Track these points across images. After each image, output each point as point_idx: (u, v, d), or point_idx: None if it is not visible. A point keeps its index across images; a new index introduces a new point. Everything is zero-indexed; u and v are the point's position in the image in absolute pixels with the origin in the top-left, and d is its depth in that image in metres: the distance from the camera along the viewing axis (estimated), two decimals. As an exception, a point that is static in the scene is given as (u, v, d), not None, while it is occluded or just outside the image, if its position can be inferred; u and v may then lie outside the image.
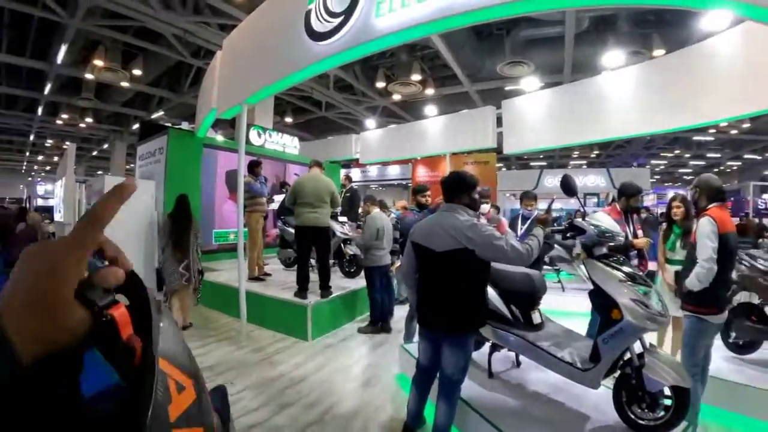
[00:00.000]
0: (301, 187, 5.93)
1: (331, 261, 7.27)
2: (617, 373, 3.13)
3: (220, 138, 11.09)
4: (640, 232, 4.62)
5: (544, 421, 3.20)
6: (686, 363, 3.30)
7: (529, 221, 5.50)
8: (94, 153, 26.26)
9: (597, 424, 3.14)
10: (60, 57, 11.21)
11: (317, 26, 4.49)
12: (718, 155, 25.77)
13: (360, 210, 9.45)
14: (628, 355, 3.04)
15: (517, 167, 28.90)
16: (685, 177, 34.27)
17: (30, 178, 35.62)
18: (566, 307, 6.06)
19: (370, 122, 16.21)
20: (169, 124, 11.72)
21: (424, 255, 3.04)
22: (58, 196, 15.70)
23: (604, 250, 3.30)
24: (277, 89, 5.79)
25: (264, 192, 7.18)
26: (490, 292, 3.53)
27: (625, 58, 9.54)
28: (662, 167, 30.73)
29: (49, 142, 24.26)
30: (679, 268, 4.25)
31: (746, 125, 18.02)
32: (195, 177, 8.97)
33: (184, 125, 12.74)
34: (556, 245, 6.79)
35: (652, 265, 4.89)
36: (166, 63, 12.76)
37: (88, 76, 12.18)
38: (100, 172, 30.04)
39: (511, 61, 10.48)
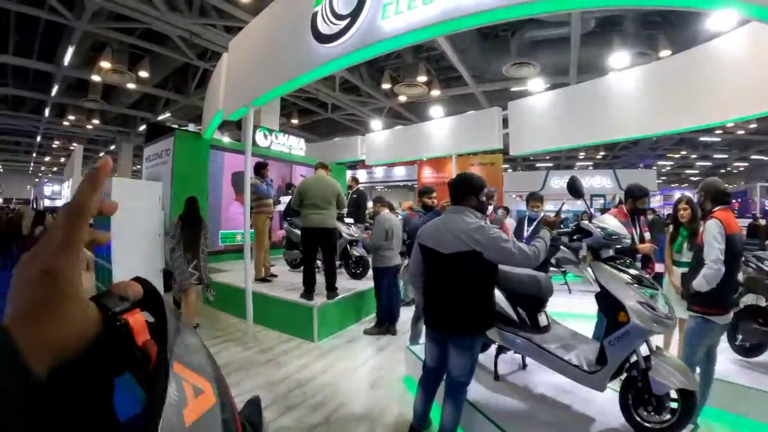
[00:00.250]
0: (307, 188, 5.93)
1: (338, 262, 7.28)
2: (623, 376, 3.12)
3: (226, 140, 11.12)
4: (647, 234, 4.60)
5: (551, 423, 3.19)
6: (686, 362, 3.28)
7: (535, 223, 5.48)
8: (101, 154, 26.32)
9: (603, 427, 3.13)
10: (67, 59, 11.33)
11: (323, 28, 4.50)
12: (725, 156, 25.67)
13: (368, 211, 9.46)
14: (634, 358, 3.01)
15: (523, 168, 28.85)
16: (691, 178, 34.18)
17: (37, 179, 35.81)
18: (573, 309, 6.04)
19: (376, 123, 16.23)
20: (176, 126, 11.77)
21: (431, 257, 3.04)
22: (65, 196, 15.80)
23: (611, 252, 3.30)
24: (283, 91, 5.81)
25: (270, 193, 7.19)
26: (497, 294, 3.51)
27: (631, 59, 9.51)
28: (668, 168, 30.63)
29: (56, 144, 24.44)
30: (686, 270, 4.23)
31: (753, 126, 17.90)
32: (202, 178, 9.01)
33: (191, 127, 12.79)
34: (562, 247, 6.77)
35: (659, 267, 4.87)
36: (172, 65, 12.86)
37: (95, 77, 12.28)
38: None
39: (516, 62, 10.48)
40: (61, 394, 0.39)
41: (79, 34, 10.16)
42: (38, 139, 22.35)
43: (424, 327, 4.89)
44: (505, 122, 8.84)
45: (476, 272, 2.92)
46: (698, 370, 3.43)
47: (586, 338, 3.77)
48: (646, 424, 2.95)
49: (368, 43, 4.13)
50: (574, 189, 3.39)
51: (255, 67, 5.71)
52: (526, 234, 5.49)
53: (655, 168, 25.34)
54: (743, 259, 4.25)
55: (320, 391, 4.25)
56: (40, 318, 0.40)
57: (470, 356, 3.01)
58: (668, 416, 2.90)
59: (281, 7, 5.52)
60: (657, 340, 3.24)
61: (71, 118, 16.58)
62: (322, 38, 4.52)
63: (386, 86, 12.72)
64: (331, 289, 6.11)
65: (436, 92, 12.96)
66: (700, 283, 3.28)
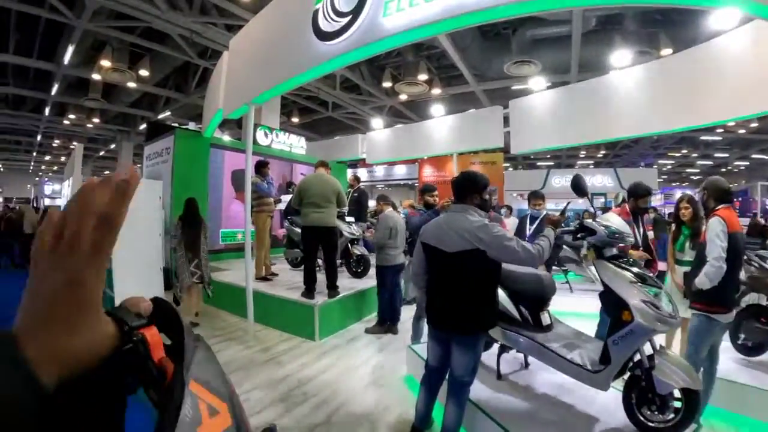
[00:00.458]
0: (307, 187, 5.92)
1: (339, 261, 7.26)
2: (626, 375, 3.11)
3: (227, 138, 11.11)
4: (650, 233, 4.59)
5: (553, 423, 3.17)
6: (689, 361, 3.27)
7: (537, 221, 5.45)
8: (101, 153, 26.41)
9: (606, 426, 3.11)
10: (67, 58, 11.29)
11: (324, 26, 4.48)
12: (726, 155, 25.65)
13: (369, 210, 9.43)
14: (637, 357, 3.01)
15: (524, 167, 28.85)
16: (692, 177, 34.16)
17: (37, 178, 35.81)
18: (574, 308, 6.03)
19: (377, 122, 16.21)
20: (176, 125, 11.76)
21: (434, 256, 3.03)
22: (65, 195, 15.78)
23: (614, 250, 3.28)
24: (284, 89, 5.79)
25: (271, 192, 7.17)
26: (500, 292, 3.50)
27: (632, 58, 9.48)
28: (669, 167, 30.59)
29: (56, 143, 24.41)
30: (688, 268, 4.23)
31: (754, 125, 17.94)
32: (202, 177, 9.00)
33: (191, 125, 12.79)
34: (564, 245, 6.75)
35: (661, 266, 4.86)
36: (172, 63, 12.82)
37: (95, 76, 12.24)
38: (107, 172, 29.64)
39: (517, 61, 10.44)
40: (71, 406, 0.38)
41: (80, 33, 10.13)
42: (38, 138, 22.30)
43: (425, 326, 4.91)
44: (506, 121, 8.81)
45: (480, 271, 2.91)
46: (701, 369, 3.42)
47: (589, 337, 3.77)
48: (650, 424, 2.94)
49: (370, 41, 4.11)
50: (578, 187, 3.38)
51: (256, 65, 5.69)
52: (528, 233, 5.45)
53: (655, 167, 25.34)
54: (745, 258, 4.25)
55: (321, 391, 4.23)
56: (56, 329, 0.39)
57: (473, 355, 3.00)
58: (672, 415, 2.88)
59: (282, 5, 5.50)
60: (659, 339, 3.23)
61: (71, 117, 16.55)
62: (324, 36, 4.49)
63: (387, 84, 12.69)
64: (332, 287, 6.09)
65: (436, 91, 12.92)
66: (702, 281, 3.28)
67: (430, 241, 3.05)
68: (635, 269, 3.17)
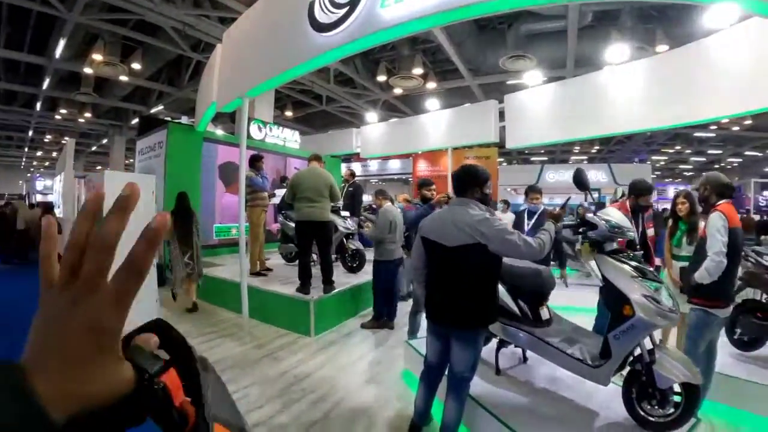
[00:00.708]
0: (299, 181, 5.86)
1: (334, 256, 7.23)
2: (625, 370, 3.12)
3: (220, 132, 11.02)
4: (650, 231, 4.59)
5: (554, 418, 3.16)
6: (688, 356, 3.27)
7: (536, 216, 5.40)
8: (93, 148, 26.16)
9: (606, 421, 3.12)
10: (58, 51, 11.13)
11: (321, 17, 4.41)
12: (719, 152, 25.78)
13: (366, 204, 9.38)
14: (637, 352, 3.01)
15: (518, 162, 28.89)
16: (685, 173, 34.35)
17: (29, 174, 35.51)
18: (571, 302, 6.00)
19: (371, 116, 16.11)
20: (169, 119, 11.66)
21: (434, 250, 2.99)
22: (57, 191, 15.61)
23: (615, 245, 3.26)
24: (279, 82, 5.70)
25: (266, 186, 7.12)
26: (499, 287, 3.48)
27: (628, 54, 9.46)
28: (663, 163, 30.71)
29: (47, 138, 24.16)
30: (685, 264, 4.27)
31: (748, 122, 18.04)
32: (195, 171, 8.93)
33: (184, 119, 12.72)
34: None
35: (657, 261, 4.86)
36: (165, 57, 12.68)
37: (87, 70, 12.06)
38: (99, 167, 29.85)
39: (513, 55, 10.38)
40: None
41: (71, 26, 9.98)
42: (30, 133, 22.08)
43: (422, 321, 4.90)
44: (501, 115, 8.79)
45: (480, 265, 2.87)
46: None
47: (588, 332, 3.77)
48: (650, 418, 2.95)
49: (367, 33, 4.05)
50: (580, 182, 3.38)
51: (250, 57, 5.61)
52: (527, 228, 5.40)
53: (649, 163, 25.44)
54: (742, 253, 4.25)
55: (318, 387, 4.20)
56: (71, 371, 0.37)
57: (474, 351, 2.98)
58: (671, 410, 2.89)
59: (277, -4, 5.42)
60: (655, 333, 3.22)
61: (63, 111, 16.34)
62: (320, 27, 4.42)
63: (381, 78, 12.57)
64: (328, 282, 6.05)
65: (431, 85, 12.84)
66: (702, 275, 3.29)
67: (430, 235, 3.01)
68: (635, 264, 3.16)
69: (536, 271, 3.64)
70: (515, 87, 10.36)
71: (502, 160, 24.22)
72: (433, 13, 3.62)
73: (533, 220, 5.30)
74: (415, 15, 3.69)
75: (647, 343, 3.00)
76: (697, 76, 5.75)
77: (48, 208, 8.31)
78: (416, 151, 12.78)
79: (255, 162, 7.03)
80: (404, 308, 6.18)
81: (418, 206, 5.31)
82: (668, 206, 6.26)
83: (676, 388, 2.89)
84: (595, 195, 17.94)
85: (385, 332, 5.93)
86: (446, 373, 3.14)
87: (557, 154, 27.55)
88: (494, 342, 3.90)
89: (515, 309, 3.61)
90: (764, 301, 4.42)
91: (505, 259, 3.11)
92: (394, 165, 24.34)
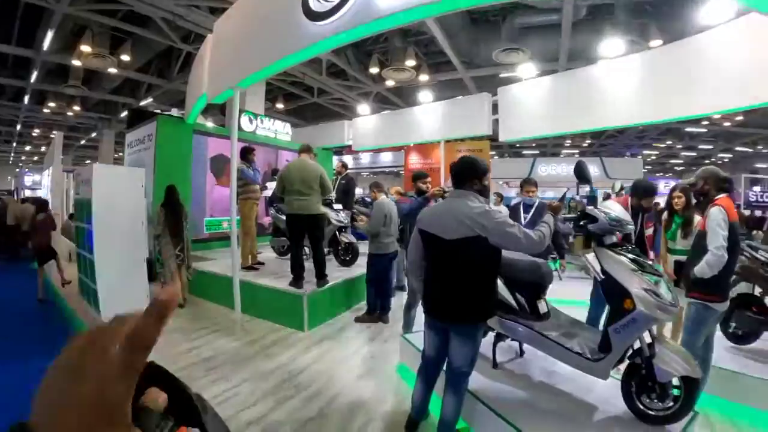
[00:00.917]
0: (289, 174, 5.78)
1: (326, 249, 7.17)
2: (623, 364, 3.10)
3: (210, 125, 10.89)
4: (648, 230, 4.59)
5: (553, 412, 3.14)
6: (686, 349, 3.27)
7: (533, 208, 5.34)
8: (82, 142, 25.95)
9: (605, 415, 3.10)
10: (46, 44, 10.95)
11: (315, 5, 4.31)
12: (710, 147, 25.96)
13: (359, 197, 9.30)
14: (637, 345, 2.99)
15: (510, 155, 28.90)
16: (676, 168, 34.54)
17: (18, 169, 35.14)
18: (564, 295, 5.98)
19: (363, 108, 16.02)
20: (158, 111, 11.52)
21: (432, 243, 2.93)
22: (45, 186, 15.43)
23: (614, 238, 3.23)
24: (271, 72, 5.59)
25: (257, 179, 7.03)
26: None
27: (621, 48, 9.46)
28: (654, 157, 30.86)
29: (36, 132, 23.92)
30: (679, 257, 4.40)
31: (739, 118, 18.20)
32: (185, 164, 8.82)
33: (174, 112, 12.56)
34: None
35: (651, 256, 4.86)
36: (155, 48, 12.51)
37: (76, 62, 11.85)
38: (88, 162, 29.56)
39: (506, 48, 10.34)
40: None
41: (59, 17, 9.80)
42: (18, 127, 21.84)
43: (416, 315, 4.85)
44: (494, 108, 8.73)
45: (480, 259, 2.82)
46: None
47: (585, 325, 3.81)
48: (650, 412, 2.94)
49: (362, 22, 3.96)
50: (582, 174, 3.35)
51: (242, 47, 5.50)
52: (523, 221, 5.35)
53: (640, 157, 25.53)
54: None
55: (313, 383, 4.14)
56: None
57: (473, 345, 2.93)
58: (671, 404, 2.88)
59: (270, -15, 5.30)
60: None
61: (51, 105, 16.12)
62: (314, 16, 4.32)
63: (374, 70, 12.45)
64: (321, 276, 5.98)
65: (424, 77, 12.75)
66: (702, 270, 3.30)
67: (429, 228, 2.94)
68: (632, 256, 3.14)
69: (534, 264, 3.61)
70: (508, 80, 10.27)
71: (493, 153, 24.20)
72: (429, 3, 3.56)
73: (530, 214, 5.24)
74: (411, 4, 3.62)
75: (647, 337, 2.98)
76: (691, 72, 5.73)
77: (42, 204, 8.22)
78: (408, 143, 12.69)
79: (246, 154, 6.94)
80: (398, 301, 6.19)
81: (412, 199, 5.25)
82: (659, 200, 6.26)
83: (675, 381, 2.87)
84: (587, 189, 18.14)
85: (379, 326, 5.88)
86: (444, 368, 3.09)
87: (549, 147, 27.58)
88: (491, 336, 3.86)
89: (513, 302, 3.58)
90: (759, 295, 4.44)
91: (503, 252, 3.06)
92: (386, 158, 24.23)
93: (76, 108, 16.92)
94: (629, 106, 6.57)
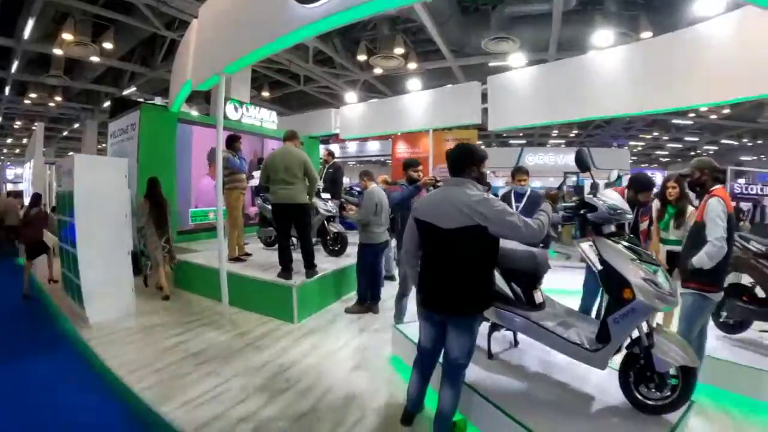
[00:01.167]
0: (273, 163, 5.65)
1: (315, 239, 7.09)
2: (621, 353, 3.07)
3: (195, 113, 10.68)
4: (644, 224, 4.57)
5: (550, 402, 3.11)
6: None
7: (525, 198, 5.28)
8: (65, 133, 25.58)
9: (603, 405, 3.09)
10: (27, 32, 10.73)
11: (304, -13, 4.18)
12: (696, 139, 26.32)
13: (347, 186, 9.21)
14: (635, 335, 2.97)
15: (497, 145, 28.96)
16: (661, 159, 34.90)
17: (-1, 163, 34.61)
18: (553, 284, 5.95)
19: (350, 96, 15.88)
20: (142, 100, 11.31)
21: (429, 233, 2.84)
22: (27, 179, 15.12)
23: (613, 227, 3.19)
24: (258, 57, 5.43)
25: (244, 168, 6.87)
26: (493, 271, 3.38)
27: (611, 39, 9.45)
28: (640, 148, 31.14)
29: (17, 124, 23.52)
30: (672, 247, 4.42)
31: (725, 111, 18.45)
32: (169, 154, 8.65)
33: (158, 101, 12.35)
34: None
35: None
36: (138, 35, 12.29)
37: (57, 51, 11.62)
38: (71, 153, 29.19)
39: (496, 37, 10.27)
40: None
41: (40, 5, 9.61)
42: (-1, 119, 21.48)
43: (408, 305, 4.78)
44: (483, 97, 8.68)
45: (478, 248, 2.73)
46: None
47: (581, 315, 3.77)
48: (648, 402, 2.92)
49: (353, 4, 3.85)
50: (582, 162, 3.28)
51: (228, 31, 5.36)
52: (515, 210, 5.28)
53: (627, 147, 25.72)
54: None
55: (305, 376, 4.06)
56: None
57: (470, 337, 2.86)
58: (668, 393, 2.86)
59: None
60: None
61: (33, 95, 15.85)
62: (303, -1, 4.20)
63: (362, 58, 12.37)
64: (310, 266, 5.88)
65: (412, 65, 12.69)
66: (702, 261, 3.27)
67: (425, 217, 2.85)
68: (632, 246, 3.11)
69: (530, 253, 3.55)
70: (497, 69, 10.23)
71: (480, 142, 24.17)
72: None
73: (522, 203, 5.17)
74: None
75: (645, 327, 2.96)
76: (680, 64, 5.79)
77: (36, 198, 8.05)
78: (396, 132, 12.62)
79: (233, 142, 6.78)
80: (388, 291, 6.13)
81: (403, 187, 5.16)
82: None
83: (672, 371, 2.86)
84: (574, 179, 18.19)
85: (370, 317, 5.81)
86: (440, 360, 3.02)
87: (536, 137, 27.72)
88: (486, 326, 3.81)
89: (509, 292, 3.53)
90: (749, 285, 4.45)
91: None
92: (373, 147, 24.10)
93: (58, 98, 16.70)
94: (618, 97, 6.60)
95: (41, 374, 4.16)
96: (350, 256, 6.62)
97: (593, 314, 4.38)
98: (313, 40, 11.60)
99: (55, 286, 7.02)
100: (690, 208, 4.40)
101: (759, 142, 26.04)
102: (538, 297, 3.54)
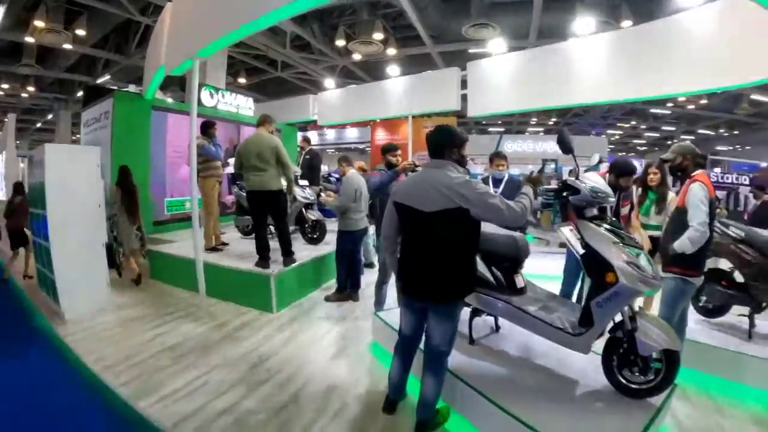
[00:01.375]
0: (245, 149, 5.55)
1: (294, 227, 7.01)
2: (604, 338, 3.07)
3: (170, 101, 10.42)
4: (624, 209, 4.56)
5: (533, 387, 3.10)
6: None
7: (503, 183, 5.21)
8: (38, 125, 25.06)
9: (586, 389, 3.09)
10: (-2, 20, 10.35)
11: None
12: (673, 128, 26.69)
13: (325, 173, 9.10)
14: (619, 319, 2.96)
15: (476, 132, 29.03)
16: (638, 147, 35.35)
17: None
18: (533, 270, 5.94)
19: (329, 82, 15.74)
20: (115, 88, 11.04)
21: (409, 217, 2.76)
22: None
23: (595, 211, 3.16)
24: (233, 39, 5.20)
25: (219, 155, 6.71)
26: (473, 255, 3.34)
27: (592, 27, 9.47)
28: (617, 137, 31.48)
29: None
30: (653, 233, 4.49)
31: (703, 101, 18.71)
32: (143, 142, 8.40)
33: (132, 88, 12.04)
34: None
35: None
36: (112, 22, 12.00)
37: (29, 39, 11.33)
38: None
39: (476, 24, 10.22)
40: None
41: (11, -8, 9.29)
42: (-30, 111, 20.89)
43: (388, 292, 4.71)
44: (463, 84, 8.62)
45: (460, 232, 2.68)
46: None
47: (562, 299, 3.77)
48: (631, 385, 2.93)
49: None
50: (564, 142, 3.21)
51: (202, 14, 5.17)
52: None
53: (604, 136, 25.96)
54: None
55: (285, 366, 3.99)
56: None
57: (451, 324, 2.82)
58: (652, 377, 2.87)
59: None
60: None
61: (4, 86, 15.51)
62: (279, -23, 4.05)
63: (340, 43, 12.24)
64: (287, 255, 5.79)
65: (391, 51, 12.59)
66: (684, 245, 3.27)
67: (405, 200, 2.77)
68: (608, 226, 3.10)
69: (511, 238, 3.52)
70: (477, 56, 10.17)
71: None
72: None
73: (500, 188, 5.10)
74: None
75: (628, 311, 2.94)
76: (661, 53, 5.82)
77: (18, 186, 7.85)
78: (375, 118, 12.51)
79: (207, 129, 6.61)
80: (368, 278, 6.11)
81: (382, 172, 5.07)
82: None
83: (655, 354, 2.86)
84: (552, 166, 18.33)
85: (350, 304, 5.76)
86: (422, 347, 2.98)
87: (514, 125, 27.89)
88: (467, 311, 3.77)
89: (490, 277, 3.50)
90: (728, 270, 4.49)
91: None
92: (352, 134, 24.00)
93: (31, 89, 16.44)
94: (597, 85, 6.62)
95: (15, 374, 4.02)
96: (329, 244, 6.55)
97: (574, 299, 4.37)
98: (291, 25, 11.43)
99: (30, 282, 6.81)
100: (671, 194, 4.42)
101: (735, 132, 26.62)
102: (519, 281, 3.51)
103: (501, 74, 8.00)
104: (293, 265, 5.82)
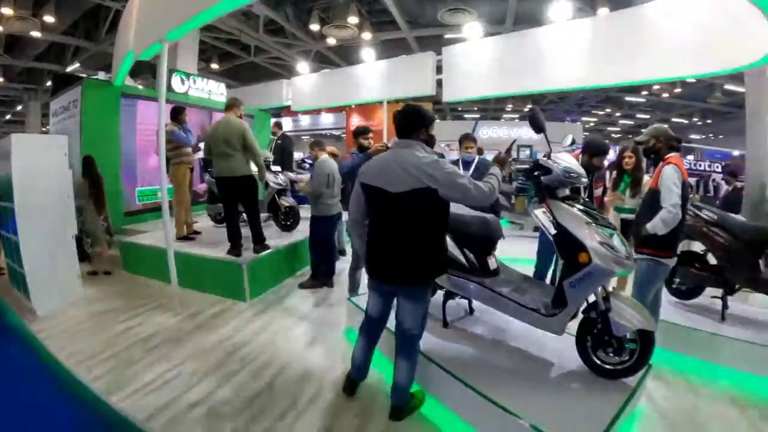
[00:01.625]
0: (213, 134, 5.44)
1: (266, 214, 6.92)
2: (578, 319, 3.06)
3: (140, 88, 10.18)
4: (598, 190, 4.56)
5: (508, 369, 3.09)
6: None
7: (472, 165, 5.13)
8: (7, 117, 24.42)
9: (561, 370, 3.09)
10: (-37, 10, 9.99)
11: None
12: (647, 116, 27.02)
13: (298, 159, 8.99)
14: (592, 299, 2.96)
15: (451, 118, 29.06)
16: (613, 135, 35.79)
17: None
18: (507, 253, 5.95)
19: (303, 67, 15.50)
20: (84, 75, 10.76)
21: (376, 198, 2.71)
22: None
23: (567, 191, 3.15)
24: (202, 20, 5.05)
25: (190, 141, 6.53)
26: (445, 237, 3.30)
27: (569, 14, 9.47)
28: (592, 124, 31.79)
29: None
30: (627, 216, 4.56)
31: (677, 90, 18.93)
32: (113, 130, 8.18)
33: (101, 75, 11.76)
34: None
35: None
36: (81, 7, 11.72)
37: (-5, 28, 10.94)
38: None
39: (452, 8, 10.17)
40: None
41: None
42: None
43: (362, 277, 4.70)
44: (438, 70, 8.58)
45: (428, 213, 2.63)
46: None
47: (535, 281, 3.78)
48: (606, 366, 2.92)
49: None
50: (536, 121, 3.19)
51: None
52: None
53: (579, 123, 26.18)
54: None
55: (259, 355, 3.93)
56: None
57: (422, 306, 2.79)
58: (627, 357, 2.87)
59: None
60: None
61: (-29, 77, 15.02)
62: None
63: (314, 27, 12.02)
64: (258, 242, 5.71)
65: (366, 35, 12.42)
66: (656, 226, 3.30)
67: (372, 181, 2.71)
68: (580, 206, 3.09)
69: (483, 219, 3.50)
70: (453, 41, 10.12)
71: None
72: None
73: (470, 171, 5.03)
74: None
75: (601, 291, 2.93)
76: (636, 40, 5.91)
77: None
78: (350, 103, 12.43)
79: (177, 114, 6.43)
80: (342, 265, 6.05)
81: (354, 155, 4.99)
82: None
83: (630, 335, 2.86)
84: (527, 152, 18.43)
85: (325, 291, 5.72)
86: (394, 331, 2.93)
87: (490, 111, 27.94)
88: (440, 294, 3.75)
89: (462, 259, 3.47)
90: (701, 252, 4.54)
91: (452, 207, 2.88)
92: (327, 120, 23.68)
93: (-1, 79, 15.80)
94: (572, 71, 6.68)
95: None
96: (303, 231, 6.46)
97: (548, 281, 4.38)
98: (264, 8, 11.23)
99: (1, 279, 6.61)
100: (645, 177, 4.44)
101: (708, 121, 27.09)
102: (492, 263, 3.49)
103: (476, 59, 7.99)
104: (266, 252, 5.74)
